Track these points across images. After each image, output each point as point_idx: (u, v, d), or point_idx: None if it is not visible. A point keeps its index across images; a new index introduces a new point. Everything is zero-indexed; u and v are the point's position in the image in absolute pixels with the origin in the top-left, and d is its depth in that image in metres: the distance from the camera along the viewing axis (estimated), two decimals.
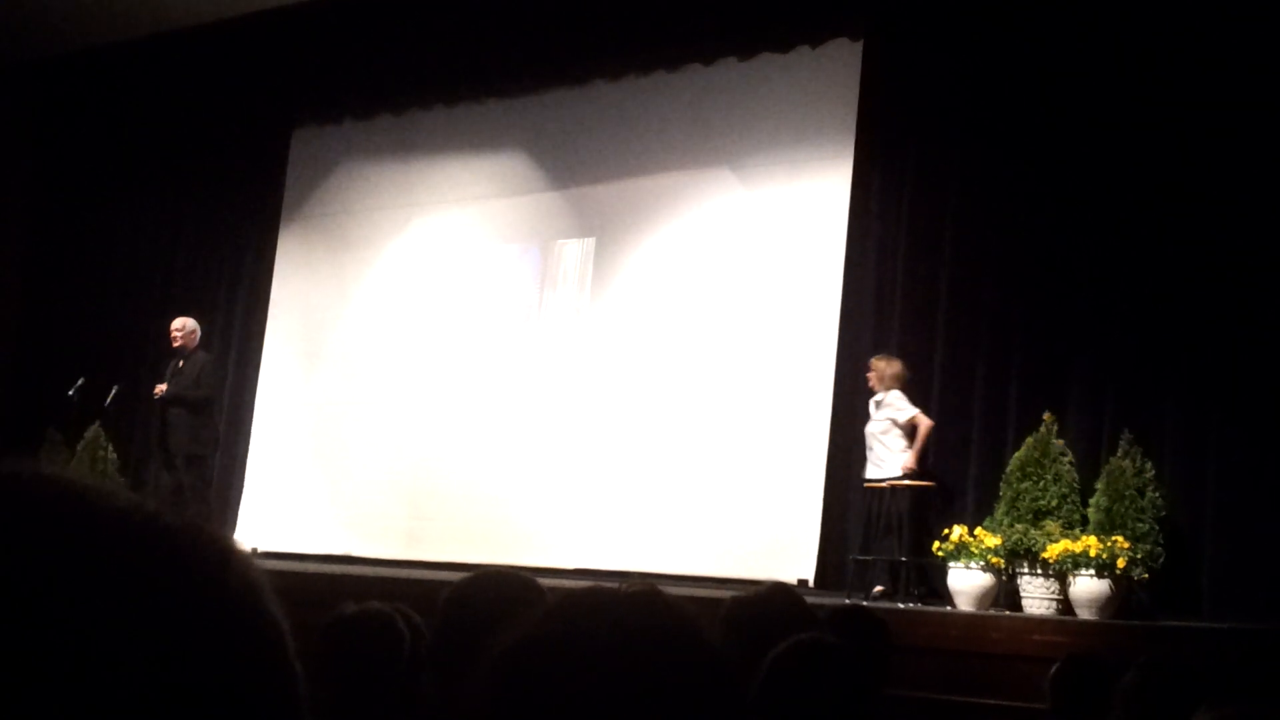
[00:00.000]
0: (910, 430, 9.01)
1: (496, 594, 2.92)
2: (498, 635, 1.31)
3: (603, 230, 11.37)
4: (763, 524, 9.85)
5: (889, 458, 8.99)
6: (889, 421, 9.03)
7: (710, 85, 11.01)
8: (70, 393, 11.98)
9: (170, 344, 11.38)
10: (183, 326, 11.36)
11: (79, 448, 12.46)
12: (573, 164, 11.63)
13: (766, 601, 3.74)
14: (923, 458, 9.04)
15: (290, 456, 12.46)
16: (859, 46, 10.34)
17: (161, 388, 11.17)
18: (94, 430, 12.40)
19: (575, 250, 11.48)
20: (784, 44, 10.67)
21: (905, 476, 8.89)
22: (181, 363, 11.28)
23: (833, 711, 2.85)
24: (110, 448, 12.41)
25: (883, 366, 9.14)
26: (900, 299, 9.80)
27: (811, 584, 9.33)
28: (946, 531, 8.42)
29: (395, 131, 12.64)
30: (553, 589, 2.69)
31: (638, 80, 11.38)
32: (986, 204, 9.47)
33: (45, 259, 13.98)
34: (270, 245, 13.08)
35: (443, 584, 3.13)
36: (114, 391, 11.99)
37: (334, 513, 11.87)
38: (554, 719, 1.24)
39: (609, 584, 1.45)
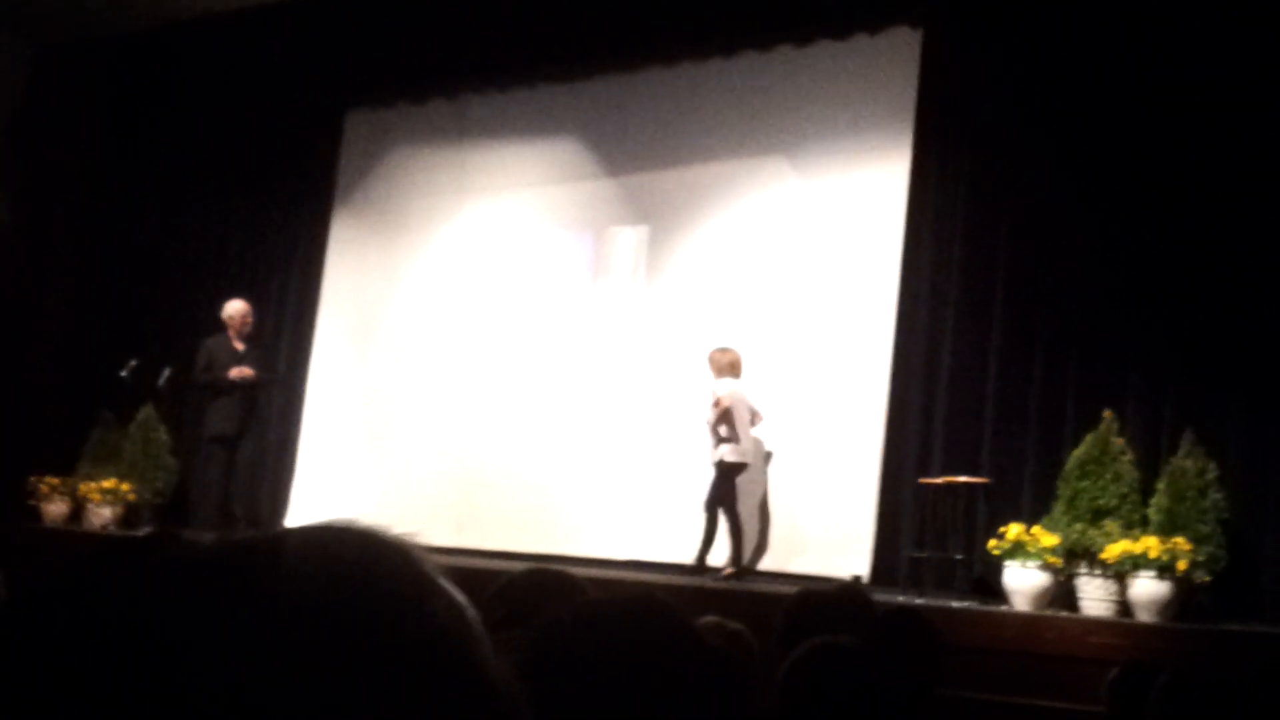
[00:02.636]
0: (722, 415, 9.39)
1: (540, 592, 2.87)
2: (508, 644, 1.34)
3: (656, 218, 11.29)
4: (817, 520, 9.76)
5: (711, 442, 9.48)
6: (710, 408, 9.49)
7: (766, 72, 10.89)
8: (123, 373, 12.02)
9: (242, 328, 11.26)
10: (251, 311, 11.33)
11: (131, 428, 12.53)
12: (626, 151, 11.55)
13: (830, 600, 3.71)
14: (731, 438, 9.42)
15: (341, 440, 12.47)
16: (918, 34, 10.20)
17: (247, 371, 11.07)
18: (146, 411, 12.47)
19: (629, 238, 11.40)
20: (842, 31, 10.55)
21: (716, 459, 9.39)
22: (242, 346, 11.22)
23: (853, 714, 2.80)
24: (163, 429, 12.47)
25: (718, 357, 9.67)
26: (957, 291, 9.67)
27: (867, 581, 9.24)
28: (1003, 530, 8.30)
29: (448, 116, 12.59)
30: (598, 585, 2.66)
31: (693, 67, 11.27)
32: (1045, 195, 9.32)
33: (99, 240, 14.03)
34: (323, 229, 13.08)
35: (491, 573, 3.07)
36: (167, 373, 12.01)
37: (384, 498, 11.84)
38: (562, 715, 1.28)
39: (622, 582, 1.51)
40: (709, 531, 9.42)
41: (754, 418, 9.68)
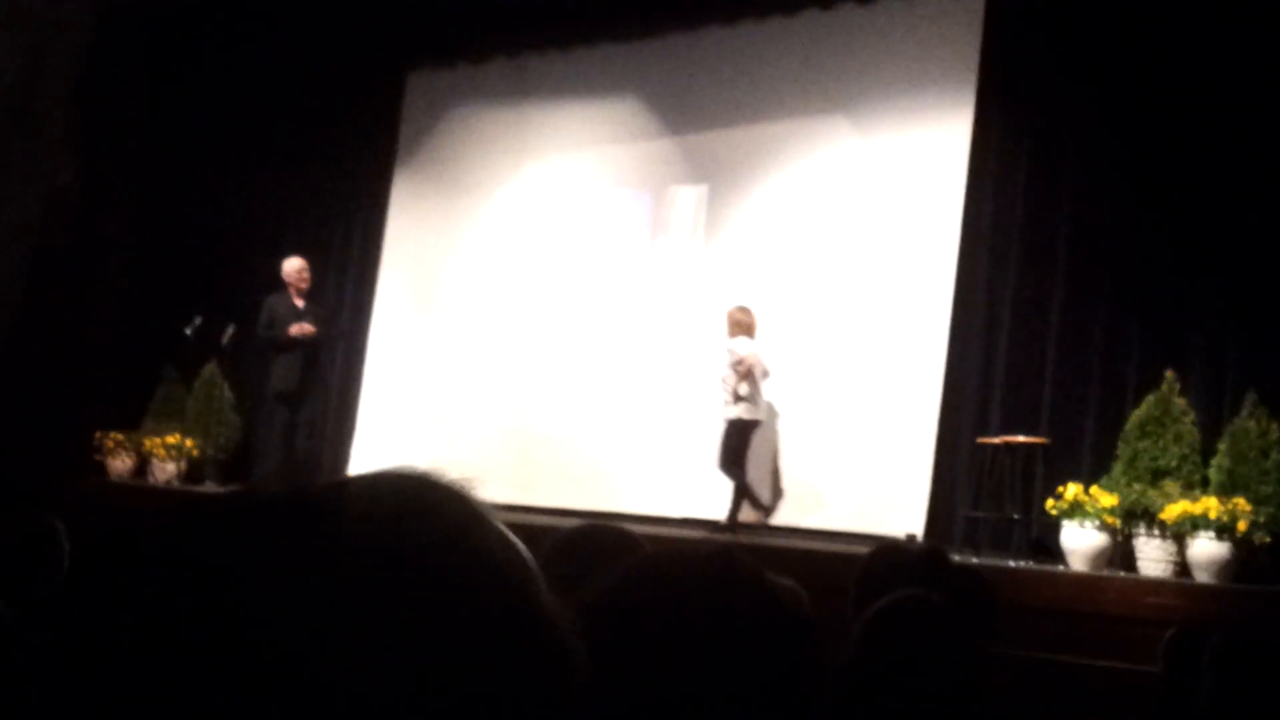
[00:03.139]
0: (745, 374, 9.64)
1: (597, 547, 2.90)
2: (586, 590, 1.36)
3: (716, 177, 11.27)
4: (873, 478, 9.75)
5: (728, 400, 9.69)
6: (728, 367, 9.73)
7: (828, 30, 10.83)
8: (187, 331, 12.15)
9: (299, 285, 11.30)
10: (307, 267, 11.36)
11: (195, 385, 12.70)
12: (687, 110, 11.53)
13: (909, 558, 3.74)
14: (750, 397, 9.68)
15: (401, 399, 12.56)
16: None
17: (307, 328, 11.11)
18: (210, 368, 12.63)
19: (688, 197, 11.39)
20: None
21: (733, 416, 9.64)
22: (301, 302, 11.27)
23: (929, 670, 2.80)
24: (226, 386, 12.62)
25: (738, 316, 9.92)
26: (1018, 250, 9.60)
27: (920, 539, 9.23)
28: (1061, 490, 8.26)
29: (509, 76, 12.61)
30: (654, 541, 2.68)
31: (754, 25, 11.22)
32: (1109, 155, 9.22)
33: (162, 200, 14.15)
34: (384, 188, 13.16)
35: (549, 530, 3.11)
36: (230, 331, 12.13)
37: (442, 454, 11.94)
38: (631, 668, 1.27)
39: (685, 539, 1.50)
40: (739, 488, 9.67)
41: (765, 374, 9.90)
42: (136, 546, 0.75)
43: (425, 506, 0.76)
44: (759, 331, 9.91)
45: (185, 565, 0.73)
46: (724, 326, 9.94)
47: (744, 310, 9.95)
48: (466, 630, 0.72)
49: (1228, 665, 3.80)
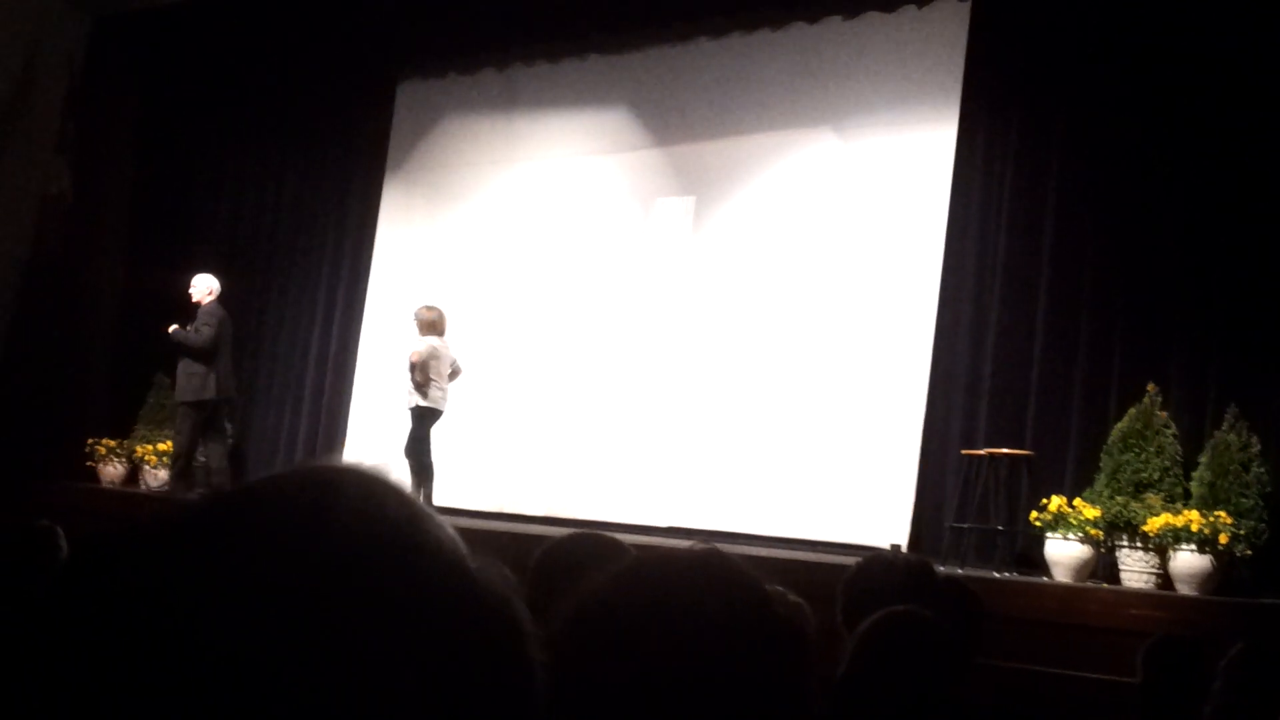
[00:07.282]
0: (417, 366, 10.47)
1: (586, 556, 2.95)
2: (568, 597, 1.34)
3: (704, 189, 11.33)
4: (858, 488, 9.81)
5: (409, 389, 10.54)
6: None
7: (814, 44, 10.91)
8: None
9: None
10: (194, 284, 11.69)
11: None
12: (674, 122, 11.59)
13: (895, 571, 3.78)
14: (423, 388, 10.52)
15: (390, 409, 12.55)
16: (966, 7, 10.18)
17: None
18: None
19: (676, 208, 11.45)
20: (889, 3, 10.55)
21: (412, 405, 10.51)
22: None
23: (922, 684, 2.85)
24: None
25: (422, 314, 10.77)
26: (1003, 263, 9.68)
27: (905, 550, 9.30)
28: (1045, 502, 8.34)
29: (498, 86, 12.67)
30: (641, 550, 2.71)
31: (742, 38, 11.30)
32: (1093, 168, 9.30)
33: (154, 207, 14.17)
34: (375, 198, 13.18)
35: (538, 539, 3.15)
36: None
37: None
38: (616, 677, 1.26)
39: (675, 546, 1.46)
40: (417, 475, 10.30)
41: (454, 371, 10.72)
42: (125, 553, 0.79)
43: (366, 496, 0.77)
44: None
45: (143, 565, 0.73)
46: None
47: (429, 309, 10.78)
48: (422, 617, 0.73)
49: (1244, 675, 3.82)
